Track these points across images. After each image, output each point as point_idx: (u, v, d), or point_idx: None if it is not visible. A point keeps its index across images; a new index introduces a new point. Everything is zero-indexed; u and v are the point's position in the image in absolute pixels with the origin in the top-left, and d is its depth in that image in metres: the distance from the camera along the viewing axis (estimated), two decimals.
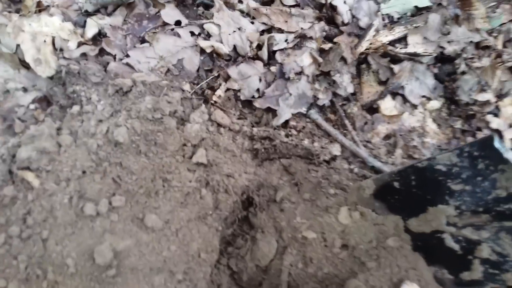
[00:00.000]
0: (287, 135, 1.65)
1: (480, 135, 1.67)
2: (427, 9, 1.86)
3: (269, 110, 1.67)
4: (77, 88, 1.41)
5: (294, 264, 1.61)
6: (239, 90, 1.66)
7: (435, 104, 1.73)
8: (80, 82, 1.42)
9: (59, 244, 1.20)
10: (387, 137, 1.70)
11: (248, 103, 1.69)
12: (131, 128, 1.33)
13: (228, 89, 1.66)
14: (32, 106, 1.48)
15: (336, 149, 1.62)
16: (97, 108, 1.38)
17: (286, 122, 1.67)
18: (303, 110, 1.67)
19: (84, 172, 1.29)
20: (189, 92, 1.52)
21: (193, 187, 1.39)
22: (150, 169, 1.34)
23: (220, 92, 1.63)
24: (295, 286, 1.58)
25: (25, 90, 1.52)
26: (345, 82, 1.69)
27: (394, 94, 1.72)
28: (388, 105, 1.69)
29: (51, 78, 1.51)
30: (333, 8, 1.81)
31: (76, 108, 1.39)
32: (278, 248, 1.68)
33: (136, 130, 1.34)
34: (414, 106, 1.72)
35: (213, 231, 1.40)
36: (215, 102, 1.64)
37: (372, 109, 1.72)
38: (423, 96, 1.74)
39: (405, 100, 1.72)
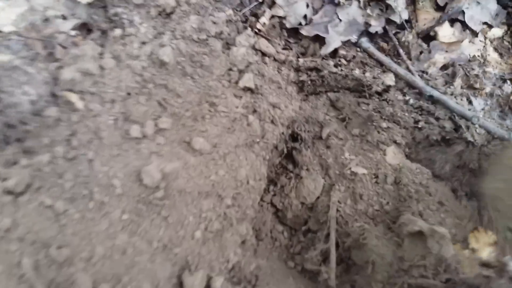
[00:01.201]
0: (336, 65, 1.54)
1: None
2: None
3: (316, 38, 1.57)
4: (118, 11, 1.34)
5: (342, 200, 1.54)
6: (284, 17, 1.55)
7: (497, 32, 1.59)
8: (121, 4, 1.35)
9: (105, 165, 1.16)
10: (445, 67, 1.57)
11: (294, 32, 1.58)
12: (176, 49, 1.26)
13: (273, 16, 1.55)
14: (72, 33, 1.42)
15: (389, 79, 1.51)
16: (140, 31, 1.32)
17: (335, 51, 1.57)
18: (354, 38, 1.55)
19: (129, 94, 1.24)
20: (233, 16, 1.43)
21: (240, 113, 1.32)
22: (196, 92, 1.28)
23: (264, 19, 1.54)
24: (344, 223, 1.52)
25: (64, 17, 1.47)
26: (399, 8, 1.55)
27: (452, 21, 1.58)
28: (446, 32, 1.55)
29: (90, 4, 1.45)
30: None
31: (118, 31, 1.33)
32: (325, 186, 1.60)
33: (181, 51, 1.27)
34: (474, 34, 1.57)
35: (260, 159, 1.34)
36: (259, 30, 1.54)
37: (428, 37, 1.58)
38: (484, 23, 1.59)
39: (464, 27, 1.58)
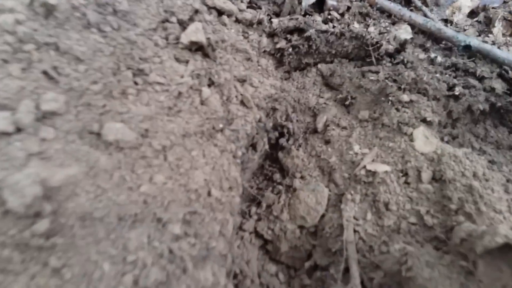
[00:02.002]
0: (325, 21, 1.08)
1: None
2: None
3: None
4: None
5: (360, 215, 1.02)
6: None
7: None
8: None
9: None
10: (473, 14, 1.13)
11: None
12: None
13: None
14: None
15: (404, 31, 1.04)
16: None
17: (321, 3, 1.11)
18: None
19: None
20: None
21: (188, 85, 0.81)
22: (110, 54, 0.77)
23: None
24: (367, 249, 0.99)
25: None
26: None
27: None
28: None
29: None
30: None
31: None
32: (331, 197, 1.09)
33: None
34: None
35: (228, 156, 0.82)
36: None
37: None
38: None
39: None
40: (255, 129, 0.92)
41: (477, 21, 1.10)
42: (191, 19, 0.86)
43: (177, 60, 0.83)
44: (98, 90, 0.74)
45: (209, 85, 0.84)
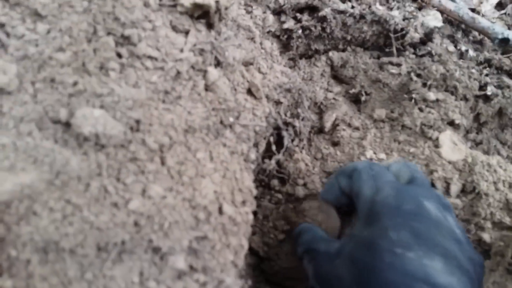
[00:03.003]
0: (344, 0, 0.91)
1: None
2: None
3: None
4: None
5: None
6: None
7: None
8: None
9: None
10: (501, 5, 1.01)
11: None
12: None
13: None
14: None
15: (433, 18, 0.90)
16: None
17: None
18: None
19: None
20: None
21: (189, 63, 0.60)
22: (83, 11, 0.55)
23: None
24: None
25: None
26: None
27: None
28: None
29: None
30: None
31: None
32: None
33: None
34: None
35: (239, 160, 0.62)
36: None
37: None
38: None
39: None
40: (265, 126, 0.73)
41: (505, 13, 0.98)
42: None
43: (174, 28, 0.62)
44: (66, 61, 0.51)
45: (215, 65, 0.64)
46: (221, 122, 0.62)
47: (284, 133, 0.78)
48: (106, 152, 0.48)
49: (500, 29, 0.87)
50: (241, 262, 0.57)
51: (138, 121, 0.51)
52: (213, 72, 0.62)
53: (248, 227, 0.59)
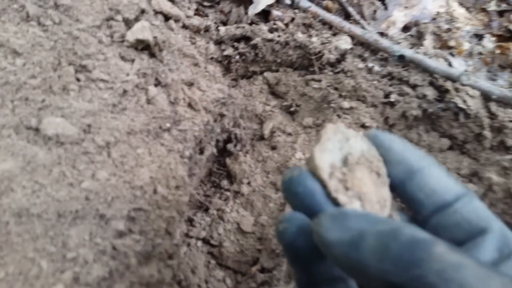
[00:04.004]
0: (271, 30, 1.11)
1: None
2: None
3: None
4: None
5: None
6: None
7: None
8: None
9: None
10: (406, 28, 1.22)
11: None
12: None
13: None
14: None
15: (345, 42, 1.10)
16: None
17: (267, 14, 1.15)
18: None
19: None
20: None
21: (134, 84, 0.80)
22: (50, 49, 0.75)
23: None
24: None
25: None
26: None
27: None
28: None
29: None
30: None
31: None
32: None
33: None
34: None
35: (175, 156, 0.81)
36: None
37: None
38: None
39: None
40: (203, 132, 0.93)
41: (410, 35, 1.19)
42: (137, 19, 0.86)
43: (122, 58, 0.82)
44: (37, 85, 0.71)
45: (155, 85, 0.84)
46: (160, 127, 0.81)
47: (219, 138, 0.97)
48: (65, 147, 0.67)
49: (397, 48, 1.08)
50: (175, 232, 0.75)
51: (89, 125, 0.70)
52: (153, 90, 0.82)
53: (180, 206, 0.77)
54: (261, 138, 1.19)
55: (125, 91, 0.79)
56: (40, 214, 0.61)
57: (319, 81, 1.13)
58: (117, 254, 0.64)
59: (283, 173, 0.31)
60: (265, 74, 1.18)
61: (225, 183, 1.16)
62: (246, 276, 1.08)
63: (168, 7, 1.04)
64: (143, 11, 0.86)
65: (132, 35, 0.81)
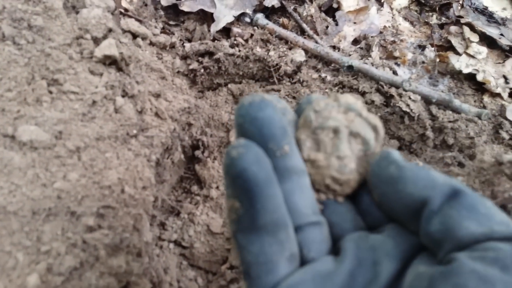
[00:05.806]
0: (232, 46, 1.21)
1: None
2: None
3: (203, 17, 1.24)
4: None
5: None
6: None
7: (402, 1, 1.43)
8: None
9: None
10: (356, 41, 1.34)
11: (173, 11, 1.25)
12: None
13: None
14: None
15: (299, 55, 1.21)
16: None
17: (228, 31, 1.25)
18: (248, 11, 1.26)
19: None
20: None
21: (102, 95, 0.88)
22: (24, 65, 0.82)
23: None
24: None
25: None
26: None
27: None
28: (350, 2, 1.34)
29: None
30: None
31: None
32: None
33: None
34: (380, 3, 1.39)
35: (142, 160, 0.89)
36: (126, 10, 1.17)
37: (331, 9, 1.36)
38: None
39: None
40: (170, 138, 1.01)
41: (359, 47, 1.30)
42: (105, 37, 0.94)
43: (92, 72, 0.90)
44: (13, 97, 0.78)
45: (123, 96, 0.92)
46: (127, 133, 0.89)
47: (185, 143, 1.05)
48: (38, 152, 0.74)
49: (346, 59, 1.19)
50: (143, 228, 0.83)
51: (61, 132, 0.77)
52: (120, 100, 0.90)
53: (147, 205, 0.85)
54: (228, 144, 1.27)
55: (94, 102, 0.87)
56: (16, 212, 0.68)
57: (279, 90, 1.23)
58: (87, 247, 0.71)
59: (241, 99, 0.29)
60: (229, 85, 1.27)
61: (195, 188, 1.24)
62: (217, 275, 1.15)
63: (136, 26, 1.13)
64: (110, 30, 0.95)
65: (99, 51, 0.89)
